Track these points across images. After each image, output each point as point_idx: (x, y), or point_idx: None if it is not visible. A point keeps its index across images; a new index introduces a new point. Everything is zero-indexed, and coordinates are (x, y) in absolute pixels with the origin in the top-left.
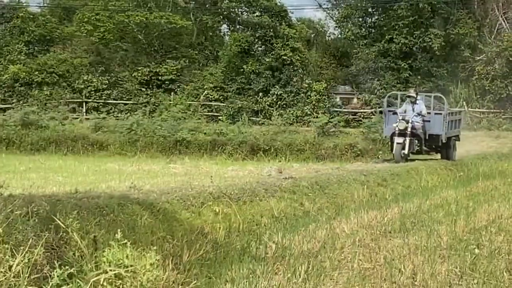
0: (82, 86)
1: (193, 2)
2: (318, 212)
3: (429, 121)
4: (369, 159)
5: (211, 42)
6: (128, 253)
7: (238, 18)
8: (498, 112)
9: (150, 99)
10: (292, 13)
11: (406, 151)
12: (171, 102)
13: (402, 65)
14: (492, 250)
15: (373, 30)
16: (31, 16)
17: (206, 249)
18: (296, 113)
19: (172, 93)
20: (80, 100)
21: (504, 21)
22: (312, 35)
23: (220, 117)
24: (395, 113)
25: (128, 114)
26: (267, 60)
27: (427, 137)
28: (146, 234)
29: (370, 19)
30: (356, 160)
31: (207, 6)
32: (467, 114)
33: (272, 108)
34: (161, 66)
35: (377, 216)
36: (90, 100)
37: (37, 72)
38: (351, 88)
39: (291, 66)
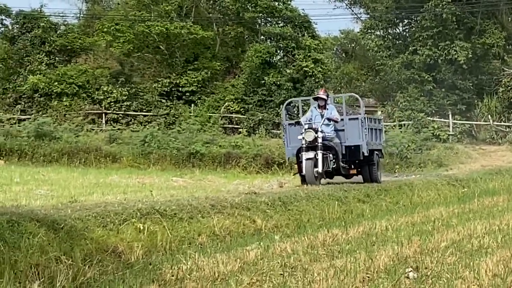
0: (102, 97)
1: (216, 12)
2: (272, 230)
3: (343, 130)
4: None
5: (233, 53)
6: None
7: (261, 29)
8: None
9: (170, 110)
10: (316, 24)
11: (320, 169)
12: (191, 114)
13: (426, 77)
14: (429, 274)
15: (397, 41)
16: (53, 26)
17: (105, 270)
18: None
19: (193, 104)
20: (100, 111)
21: None
22: (352, 47)
23: (241, 130)
24: (298, 123)
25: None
26: (288, 71)
27: (343, 151)
28: (34, 254)
29: (393, 30)
30: None
31: (230, 16)
32: (492, 128)
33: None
34: (182, 77)
35: (337, 235)
36: (109, 112)
37: (56, 83)
38: (374, 100)
39: (313, 78)
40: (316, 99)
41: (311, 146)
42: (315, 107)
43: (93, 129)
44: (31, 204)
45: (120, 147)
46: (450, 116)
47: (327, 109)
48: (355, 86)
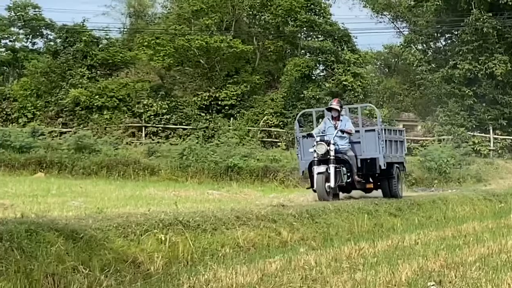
0: (142, 111)
1: (257, 26)
2: (299, 242)
3: (359, 142)
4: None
5: (274, 67)
6: None
7: (300, 43)
8: None
9: (209, 124)
10: (356, 38)
11: (332, 184)
12: (230, 128)
13: (466, 91)
14: None
15: (437, 56)
16: (95, 40)
17: (122, 280)
18: None
19: (232, 118)
20: (140, 124)
21: None
22: (394, 61)
23: (279, 143)
24: (311, 135)
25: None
26: (327, 85)
27: (359, 164)
28: (51, 263)
29: (434, 45)
30: (409, 188)
31: (270, 30)
32: None
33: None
34: (221, 91)
35: (363, 248)
36: (149, 125)
37: (97, 96)
38: (414, 115)
39: (352, 92)
40: (329, 110)
41: (323, 159)
42: (328, 119)
43: (132, 142)
44: (63, 215)
45: (158, 160)
46: (491, 131)
47: (341, 120)
48: (397, 101)
